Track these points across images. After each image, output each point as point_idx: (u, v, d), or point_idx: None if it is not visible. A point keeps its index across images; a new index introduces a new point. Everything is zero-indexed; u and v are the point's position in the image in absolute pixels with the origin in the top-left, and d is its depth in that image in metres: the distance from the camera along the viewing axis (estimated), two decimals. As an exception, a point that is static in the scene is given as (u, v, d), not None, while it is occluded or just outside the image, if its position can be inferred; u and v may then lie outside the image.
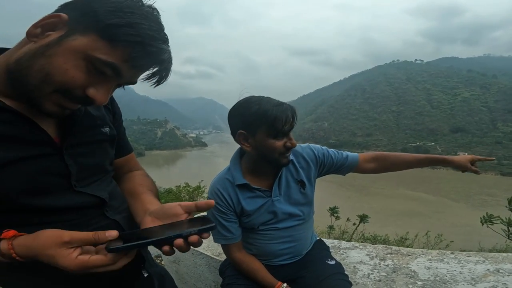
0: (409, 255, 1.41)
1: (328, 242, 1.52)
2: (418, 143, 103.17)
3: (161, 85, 0.56)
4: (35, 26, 0.49)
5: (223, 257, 1.22)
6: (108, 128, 0.67)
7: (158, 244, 0.50)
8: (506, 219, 3.69)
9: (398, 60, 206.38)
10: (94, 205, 0.62)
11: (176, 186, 6.56)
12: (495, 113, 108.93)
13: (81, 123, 0.61)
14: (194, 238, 0.49)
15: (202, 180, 6.18)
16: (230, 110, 0.98)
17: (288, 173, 1.03)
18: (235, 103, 0.97)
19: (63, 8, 0.50)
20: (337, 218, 4.47)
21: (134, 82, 0.55)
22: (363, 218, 4.11)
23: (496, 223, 3.58)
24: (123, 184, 0.77)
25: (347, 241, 1.65)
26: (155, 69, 0.54)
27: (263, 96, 0.94)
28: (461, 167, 1.13)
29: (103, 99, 0.53)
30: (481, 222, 3.83)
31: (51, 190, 0.56)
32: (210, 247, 1.58)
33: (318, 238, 1.24)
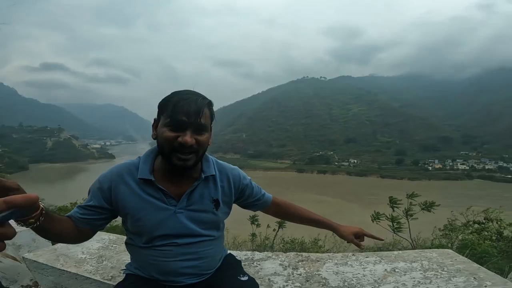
0: (318, 261, 1.49)
1: (242, 254, 1.54)
2: (321, 152, 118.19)
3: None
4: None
5: (116, 280, 1.15)
6: None
7: None
8: (390, 215, 4.54)
9: (308, 76, 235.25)
10: None
11: (71, 203, 5.70)
12: (376, 126, 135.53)
13: None
14: None
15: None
16: None
17: (205, 189, 0.93)
18: None
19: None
20: (258, 225, 4.72)
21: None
22: (281, 224, 4.47)
23: (383, 220, 4.35)
24: None
25: (260, 251, 1.65)
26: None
27: (186, 89, 0.88)
28: (344, 238, 1.17)
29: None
30: (371, 219, 4.60)
31: None
32: (99, 270, 1.39)
33: (228, 252, 1.17)
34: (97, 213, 0.88)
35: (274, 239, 4.52)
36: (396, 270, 1.30)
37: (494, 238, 3.10)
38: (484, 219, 3.76)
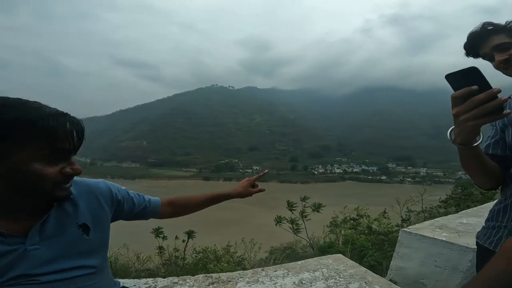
0: (230, 281, 1.45)
1: (141, 283, 1.42)
2: (227, 160, 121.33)
3: None
4: None
5: None
6: None
7: None
8: (289, 218, 5.01)
9: (217, 84, 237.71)
10: None
11: None
12: (275, 135, 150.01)
13: None
14: None
15: None
16: None
17: (63, 214, 0.75)
18: None
19: None
20: (164, 238, 4.30)
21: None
22: (190, 234, 4.31)
23: (284, 223, 4.73)
24: None
25: (164, 277, 1.45)
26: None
27: (27, 100, 0.66)
28: (244, 195, 1.20)
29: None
30: (275, 223, 4.95)
31: None
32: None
33: (121, 286, 0.98)
34: None
35: (185, 250, 4.27)
36: (303, 282, 1.44)
37: (366, 232, 3.88)
38: (357, 215, 4.66)
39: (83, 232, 0.77)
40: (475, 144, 0.74)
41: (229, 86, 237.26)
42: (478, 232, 1.04)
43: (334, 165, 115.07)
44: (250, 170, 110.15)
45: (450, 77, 0.66)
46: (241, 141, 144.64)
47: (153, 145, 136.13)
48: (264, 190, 1.25)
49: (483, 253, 0.98)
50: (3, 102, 0.62)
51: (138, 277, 3.24)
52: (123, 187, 0.94)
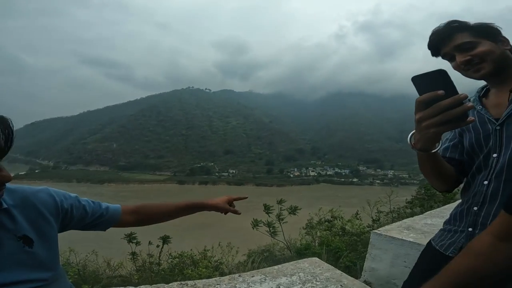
0: None
1: None
2: (202, 163, 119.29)
3: None
4: None
5: None
6: None
7: None
8: (266, 221, 5.05)
9: (193, 86, 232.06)
10: None
11: None
12: (250, 138, 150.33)
13: None
14: None
15: None
16: None
17: None
18: None
19: None
20: (137, 243, 4.12)
21: None
22: (165, 240, 4.14)
23: (261, 226, 4.75)
24: None
25: (136, 284, 1.41)
26: None
27: None
28: (219, 209, 1.13)
29: None
30: (252, 227, 4.95)
31: None
32: None
33: None
34: None
35: (160, 255, 4.12)
36: (281, 287, 1.46)
37: (340, 233, 4.03)
38: (331, 217, 4.81)
39: (24, 244, 0.71)
40: (434, 151, 0.73)
41: (206, 89, 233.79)
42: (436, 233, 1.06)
43: (309, 168, 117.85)
44: (226, 174, 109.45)
45: (416, 80, 0.64)
46: (216, 144, 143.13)
47: (123, 147, 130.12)
48: (240, 213, 1.18)
49: (432, 254, 0.98)
50: None
51: (110, 284, 3.09)
52: (73, 194, 0.86)
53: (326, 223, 4.77)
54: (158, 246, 4.17)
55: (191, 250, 4.41)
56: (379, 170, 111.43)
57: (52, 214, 0.78)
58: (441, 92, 0.60)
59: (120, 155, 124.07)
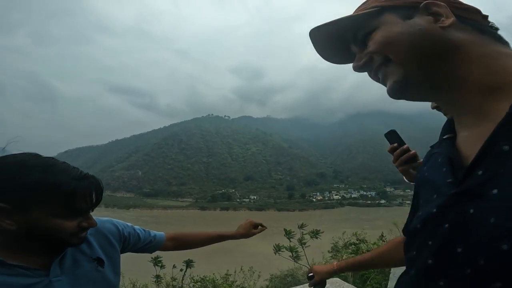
0: None
1: None
2: (223, 190, 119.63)
3: None
4: None
5: None
6: None
7: None
8: (288, 246, 4.94)
9: (212, 114, 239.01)
10: None
11: None
12: (270, 164, 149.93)
13: None
14: None
15: None
16: None
17: (78, 252, 0.84)
18: None
19: None
20: (162, 266, 4.19)
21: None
22: (188, 263, 4.20)
23: (283, 251, 4.66)
24: None
25: None
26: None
27: (54, 159, 0.74)
28: (245, 236, 1.28)
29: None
30: (273, 251, 4.86)
31: None
32: None
33: None
34: None
35: (183, 279, 4.15)
36: None
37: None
38: (357, 240, 4.65)
39: (98, 264, 0.87)
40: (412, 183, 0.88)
41: (225, 116, 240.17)
42: None
43: (332, 192, 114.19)
44: (247, 200, 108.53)
45: (386, 135, 0.98)
46: (237, 171, 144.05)
47: (148, 175, 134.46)
48: (266, 228, 1.34)
49: None
50: (32, 163, 0.69)
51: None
52: (129, 224, 1.05)
53: (352, 246, 4.61)
54: (181, 270, 4.22)
55: (213, 274, 4.41)
56: (408, 190, 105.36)
57: (117, 240, 0.95)
58: (395, 144, 0.95)
59: (144, 182, 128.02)
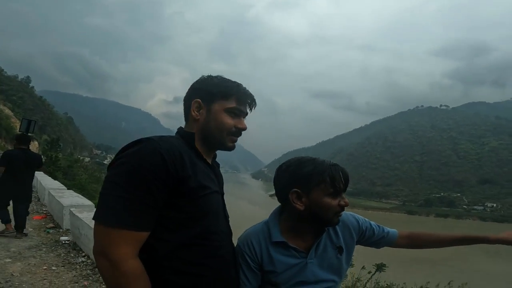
0: None
1: None
2: (442, 193, 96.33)
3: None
4: (193, 111, 0.91)
5: None
6: None
7: None
8: None
9: (422, 106, 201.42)
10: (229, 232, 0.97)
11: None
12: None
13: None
14: None
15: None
16: (278, 169, 1.01)
17: (327, 238, 1.02)
18: (282, 163, 1.02)
19: (191, 95, 0.93)
20: (351, 265, 4.37)
21: (246, 112, 0.96)
22: (380, 267, 3.76)
23: None
24: None
25: None
26: (249, 100, 0.95)
27: (315, 158, 0.99)
28: (504, 243, 1.07)
29: (245, 126, 0.95)
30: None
31: (219, 218, 0.91)
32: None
33: None
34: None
35: (367, 282, 3.86)
36: None
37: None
38: None
39: (338, 252, 1.01)
40: None
41: (441, 106, 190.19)
42: None
43: None
44: (480, 207, 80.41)
45: None
46: (466, 171, 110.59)
47: (351, 174, 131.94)
48: None
49: None
50: (300, 159, 0.99)
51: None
52: (366, 219, 1.13)
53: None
54: (369, 272, 3.82)
55: (404, 283, 4.08)
56: None
57: (356, 233, 1.07)
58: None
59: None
